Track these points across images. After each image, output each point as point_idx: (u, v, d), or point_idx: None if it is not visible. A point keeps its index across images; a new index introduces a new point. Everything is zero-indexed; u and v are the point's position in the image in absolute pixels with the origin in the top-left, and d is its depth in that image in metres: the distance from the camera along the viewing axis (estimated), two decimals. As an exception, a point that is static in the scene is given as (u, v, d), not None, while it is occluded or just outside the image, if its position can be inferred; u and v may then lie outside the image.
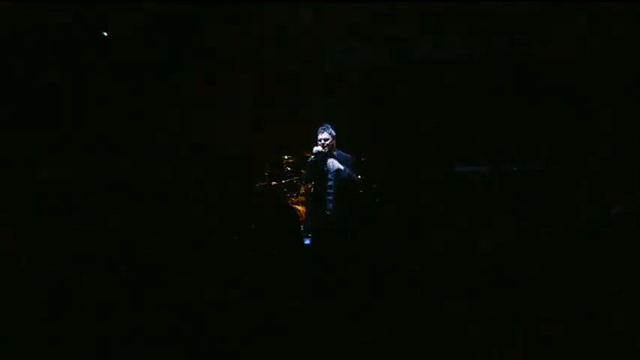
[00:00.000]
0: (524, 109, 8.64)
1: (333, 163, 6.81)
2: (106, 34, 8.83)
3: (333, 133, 6.90)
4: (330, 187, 6.80)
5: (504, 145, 8.53)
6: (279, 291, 3.79)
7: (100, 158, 8.56)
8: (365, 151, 8.20)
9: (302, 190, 8.43)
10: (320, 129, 6.90)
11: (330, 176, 6.81)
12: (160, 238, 5.20)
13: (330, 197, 6.80)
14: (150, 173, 8.60)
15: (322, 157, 6.80)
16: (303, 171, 8.12)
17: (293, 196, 8.55)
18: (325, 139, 6.82)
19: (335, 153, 6.89)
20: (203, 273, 4.29)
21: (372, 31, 9.25)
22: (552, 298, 3.39)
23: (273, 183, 8.72)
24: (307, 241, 6.40)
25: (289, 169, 8.78)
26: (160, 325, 3.63)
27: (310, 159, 6.90)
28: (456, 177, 8.17)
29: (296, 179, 8.60)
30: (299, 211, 7.85)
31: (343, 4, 9.00)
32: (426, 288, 3.72)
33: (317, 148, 6.80)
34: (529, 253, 4.28)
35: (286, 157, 8.76)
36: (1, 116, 8.28)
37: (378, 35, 9.30)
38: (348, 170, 6.83)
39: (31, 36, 8.42)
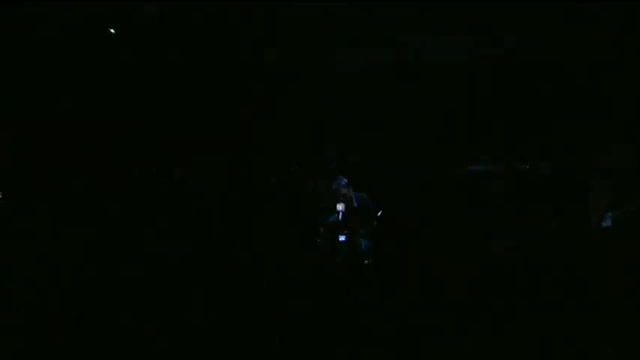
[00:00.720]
0: (537, 108, 8.59)
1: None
2: (113, 31, 8.82)
3: (346, 180, 7.19)
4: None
5: (517, 144, 8.48)
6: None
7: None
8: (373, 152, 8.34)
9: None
10: (334, 185, 7.19)
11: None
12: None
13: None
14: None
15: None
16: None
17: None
18: (344, 194, 7.11)
19: (351, 195, 7.17)
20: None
21: (379, 32, 9.26)
22: (567, 297, 3.41)
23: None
24: (342, 238, 6.83)
25: (297, 166, 8.80)
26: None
27: (334, 219, 7.10)
28: (468, 177, 8.11)
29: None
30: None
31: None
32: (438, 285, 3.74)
33: (340, 207, 7.05)
34: (542, 252, 4.29)
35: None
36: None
37: (385, 35, 9.30)
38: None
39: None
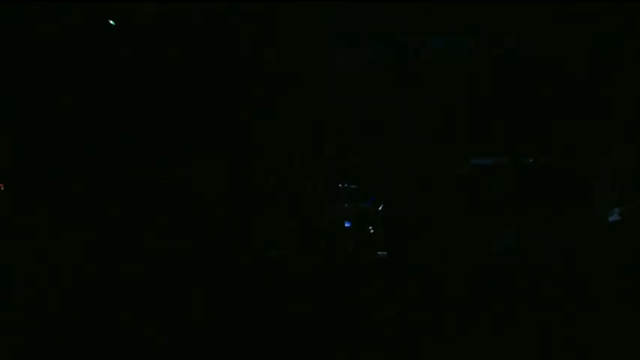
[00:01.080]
0: (537, 108, 8.57)
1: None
2: (112, 22, 8.81)
3: (351, 194, 8.00)
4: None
5: (517, 144, 8.45)
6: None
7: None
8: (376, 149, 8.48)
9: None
10: (341, 203, 7.97)
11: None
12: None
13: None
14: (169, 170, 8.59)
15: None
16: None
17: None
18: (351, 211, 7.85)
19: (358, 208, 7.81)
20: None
21: (379, 32, 9.27)
22: (572, 295, 3.42)
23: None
24: (347, 224, 7.26)
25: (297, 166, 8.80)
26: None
27: (348, 225, 7.69)
28: (471, 170, 8.10)
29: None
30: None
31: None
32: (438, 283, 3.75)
33: (347, 224, 7.71)
34: (542, 252, 4.29)
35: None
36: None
37: (385, 35, 9.31)
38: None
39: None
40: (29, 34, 8.53)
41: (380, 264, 5.61)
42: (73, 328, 3.72)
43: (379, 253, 6.02)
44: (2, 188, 7.93)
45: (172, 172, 8.50)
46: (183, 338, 3.51)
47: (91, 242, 5.41)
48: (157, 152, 8.84)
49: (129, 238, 5.69)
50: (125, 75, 9.01)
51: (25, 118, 8.51)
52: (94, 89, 8.88)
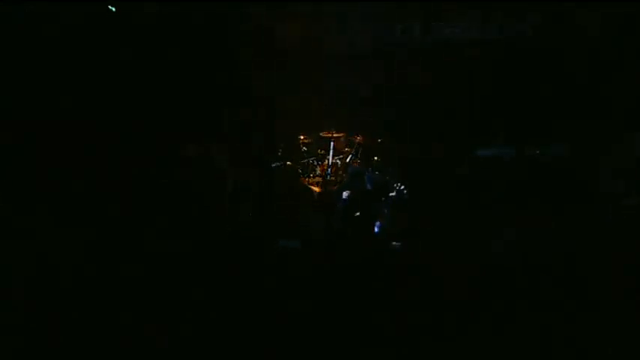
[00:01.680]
0: (537, 108, 8.56)
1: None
2: (113, 8, 8.79)
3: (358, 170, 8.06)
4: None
5: (526, 128, 8.40)
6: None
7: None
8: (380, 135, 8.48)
9: (318, 172, 8.48)
10: (349, 171, 7.99)
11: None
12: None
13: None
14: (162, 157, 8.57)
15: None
16: (320, 151, 8.59)
17: (309, 177, 8.53)
18: (357, 179, 7.89)
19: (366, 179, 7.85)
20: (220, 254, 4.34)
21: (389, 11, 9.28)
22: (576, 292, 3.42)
23: (288, 163, 8.72)
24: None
25: (305, 149, 8.75)
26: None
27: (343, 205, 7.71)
28: (472, 168, 8.07)
29: (312, 160, 8.57)
30: (314, 191, 8.06)
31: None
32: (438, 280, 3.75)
33: (345, 194, 7.70)
34: (542, 252, 4.30)
35: (302, 137, 8.73)
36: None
37: (395, 15, 9.32)
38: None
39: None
40: (29, 34, 8.54)
41: (386, 259, 5.54)
42: (73, 328, 3.72)
43: (394, 243, 5.81)
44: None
45: (172, 172, 8.50)
46: (183, 338, 3.51)
47: (91, 242, 5.41)
48: (157, 152, 8.84)
49: (129, 238, 5.69)
50: (125, 75, 9.01)
51: (25, 118, 8.51)
52: (94, 89, 8.89)
